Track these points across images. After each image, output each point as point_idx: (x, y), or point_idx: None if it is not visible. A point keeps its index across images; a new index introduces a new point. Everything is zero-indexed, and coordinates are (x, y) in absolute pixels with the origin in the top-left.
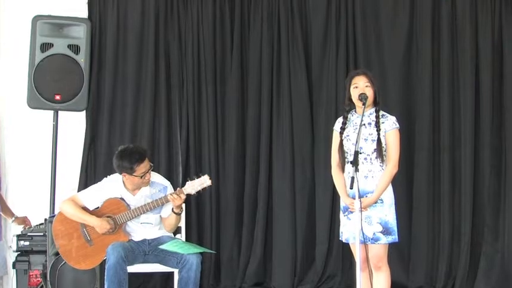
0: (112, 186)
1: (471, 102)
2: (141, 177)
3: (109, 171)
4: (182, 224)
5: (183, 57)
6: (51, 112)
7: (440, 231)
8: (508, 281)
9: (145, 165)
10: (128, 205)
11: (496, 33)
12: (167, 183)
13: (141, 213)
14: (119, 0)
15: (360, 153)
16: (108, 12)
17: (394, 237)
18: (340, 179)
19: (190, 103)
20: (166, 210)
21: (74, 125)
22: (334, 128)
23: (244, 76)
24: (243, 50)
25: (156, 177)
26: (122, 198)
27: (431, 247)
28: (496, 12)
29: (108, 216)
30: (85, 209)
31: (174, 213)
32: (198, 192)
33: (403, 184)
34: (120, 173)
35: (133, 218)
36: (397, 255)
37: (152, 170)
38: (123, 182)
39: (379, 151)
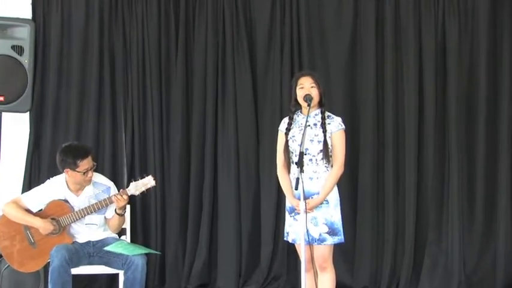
0: (55, 187)
1: (415, 102)
2: (84, 174)
3: (53, 173)
4: (127, 225)
5: (128, 58)
6: None
7: (384, 232)
8: (451, 281)
9: (88, 161)
10: (72, 207)
11: (439, 34)
12: (110, 183)
13: (85, 215)
14: (63, 1)
15: (305, 154)
16: (52, 13)
17: (340, 238)
18: (286, 180)
19: (135, 104)
20: (111, 212)
21: (18, 126)
22: (280, 128)
23: (189, 77)
24: (188, 51)
25: (100, 178)
26: (65, 200)
27: (376, 247)
28: (440, 13)
29: (52, 218)
30: (28, 211)
31: (117, 214)
32: (142, 193)
33: (347, 184)
34: (63, 170)
35: (77, 219)
36: (342, 255)
37: (96, 171)
38: (66, 182)
39: (326, 152)
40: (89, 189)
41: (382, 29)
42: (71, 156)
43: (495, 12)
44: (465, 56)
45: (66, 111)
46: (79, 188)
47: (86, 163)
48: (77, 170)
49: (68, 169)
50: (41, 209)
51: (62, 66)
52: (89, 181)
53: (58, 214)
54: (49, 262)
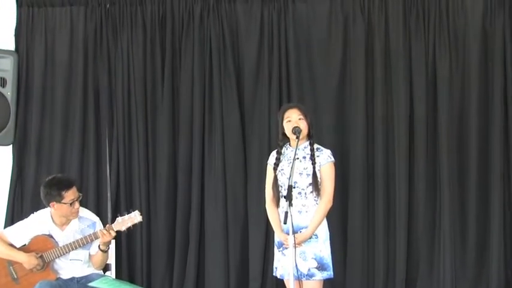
0: (40, 222)
1: (405, 134)
2: (71, 205)
3: (36, 207)
4: (112, 261)
5: (113, 90)
6: None
7: (375, 266)
8: None
9: (73, 192)
10: (56, 242)
11: (430, 65)
12: (96, 218)
13: (69, 251)
14: (46, 31)
15: (294, 187)
16: (36, 44)
17: (329, 273)
18: (274, 214)
19: (121, 137)
20: (94, 247)
21: (0, 159)
22: (269, 161)
23: (175, 109)
24: (174, 83)
25: (85, 213)
26: (50, 235)
27: (366, 282)
28: (430, 45)
29: (36, 253)
30: (12, 246)
31: (101, 250)
32: (129, 229)
33: (337, 218)
34: (48, 203)
35: (61, 255)
36: None
37: (81, 206)
38: (51, 216)
39: (315, 185)
40: (74, 224)
41: (372, 61)
42: (55, 189)
43: (486, 44)
44: (456, 88)
45: (49, 144)
46: (65, 222)
47: (71, 194)
48: (63, 202)
49: (54, 202)
50: (25, 244)
51: (45, 98)
52: (76, 213)
53: (42, 249)
54: None
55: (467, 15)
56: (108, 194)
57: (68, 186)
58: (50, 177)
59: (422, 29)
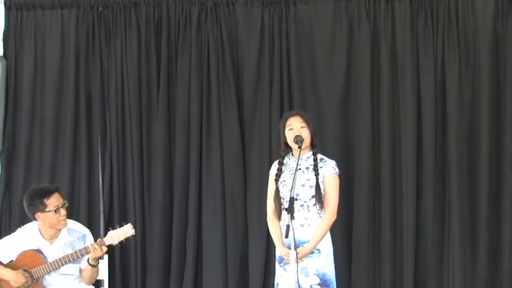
0: (27, 236)
1: (413, 144)
2: (56, 212)
3: (25, 220)
4: (105, 277)
5: (106, 96)
6: None
7: (381, 283)
8: None
9: (56, 198)
10: (45, 257)
11: (439, 72)
12: (86, 231)
13: (59, 267)
14: (36, 36)
15: (296, 199)
16: (25, 49)
17: None
18: (275, 227)
19: (114, 146)
20: (84, 261)
21: None
22: (270, 172)
23: (171, 117)
24: (170, 89)
25: (74, 225)
26: (38, 250)
27: None
28: (439, 48)
29: (24, 270)
30: None
31: (90, 264)
32: (121, 243)
33: (342, 232)
34: (33, 215)
35: (50, 271)
36: None
37: (71, 218)
38: (39, 230)
39: (318, 197)
40: (63, 237)
41: (378, 66)
42: (37, 197)
43: (497, 47)
44: (466, 93)
45: (39, 153)
46: (53, 235)
47: (54, 200)
48: (47, 210)
49: (38, 212)
50: (12, 260)
51: (35, 105)
52: (64, 221)
53: (30, 265)
54: None
55: (478, 18)
56: (101, 206)
57: (48, 192)
58: (29, 190)
59: (430, 32)
